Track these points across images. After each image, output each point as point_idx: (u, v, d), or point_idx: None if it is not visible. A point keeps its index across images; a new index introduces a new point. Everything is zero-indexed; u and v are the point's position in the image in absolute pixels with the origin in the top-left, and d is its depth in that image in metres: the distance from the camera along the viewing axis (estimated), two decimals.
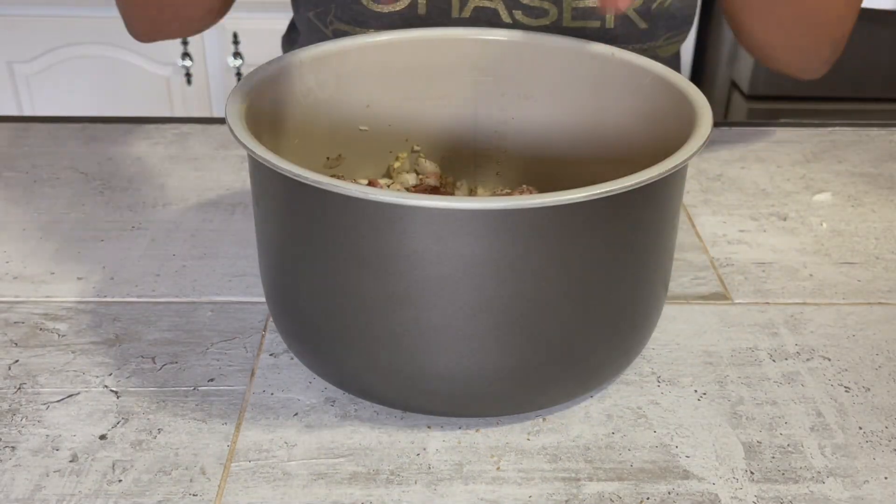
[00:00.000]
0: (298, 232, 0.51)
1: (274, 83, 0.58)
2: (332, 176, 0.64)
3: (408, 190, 0.66)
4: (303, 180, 0.46)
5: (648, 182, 0.46)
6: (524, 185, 0.67)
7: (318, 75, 0.61)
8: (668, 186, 0.51)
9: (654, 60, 0.59)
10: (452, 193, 0.68)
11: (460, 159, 0.69)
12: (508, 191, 0.68)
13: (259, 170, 0.52)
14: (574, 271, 0.49)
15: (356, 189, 0.45)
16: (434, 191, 0.65)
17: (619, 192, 0.45)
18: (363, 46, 0.63)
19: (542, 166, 0.67)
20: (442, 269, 0.47)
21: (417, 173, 0.68)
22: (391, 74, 0.64)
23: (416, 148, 0.68)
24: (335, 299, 0.50)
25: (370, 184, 0.65)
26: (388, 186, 0.66)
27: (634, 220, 0.49)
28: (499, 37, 0.64)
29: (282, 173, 0.47)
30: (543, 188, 0.65)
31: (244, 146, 0.49)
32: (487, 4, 0.74)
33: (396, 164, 0.68)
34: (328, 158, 0.65)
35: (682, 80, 0.57)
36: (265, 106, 0.57)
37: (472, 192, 0.69)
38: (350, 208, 0.47)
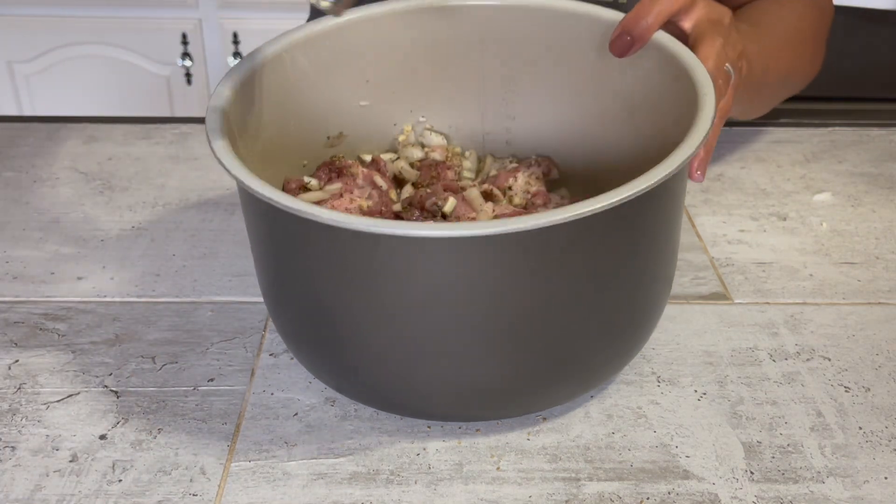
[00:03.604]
0: (282, 254, 0.50)
1: (262, 73, 0.57)
2: (333, 156, 0.61)
3: (412, 166, 0.65)
4: (282, 207, 0.44)
5: (649, 189, 0.45)
6: (534, 157, 0.65)
7: (309, 56, 0.60)
8: (669, 186, 0.50)
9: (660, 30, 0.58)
10: (459, 167, 0.66)
11: (468, 126, 0.67)
12: (517, 164, 0.66)
13: (242, 191, 0.51)
14: (574, 273, 0.48)
15: (334, 217, 0.43)
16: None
17: (618, 203, 0.45)
18: (358, 21, 0.61)
19: (551, 133, 0.65)
20: (429, 289, 0.46)
21: (423, 146, 0.67)
22: (391, 47, 0.63)
23: (422, 118, 0.66)
24: (325, 315, 0.50)
25: (373, 161, 0.63)
26: (393, 162, 0.65)
27: (636, 224, 0.49)
28: (501, 2, 0.63)
29: (260, 199, 0.45)
30: (555, 154, 0.64)
31: (224, 167, 0.47)
32: None
33: (402, 138, 0.66)
34: (329, 137, 0.64)
35: (686, 52, 0.55)
36: (257, 96, 0.56)
37: (481, 162, 0.67)
38: (328, 234, 0.46)
